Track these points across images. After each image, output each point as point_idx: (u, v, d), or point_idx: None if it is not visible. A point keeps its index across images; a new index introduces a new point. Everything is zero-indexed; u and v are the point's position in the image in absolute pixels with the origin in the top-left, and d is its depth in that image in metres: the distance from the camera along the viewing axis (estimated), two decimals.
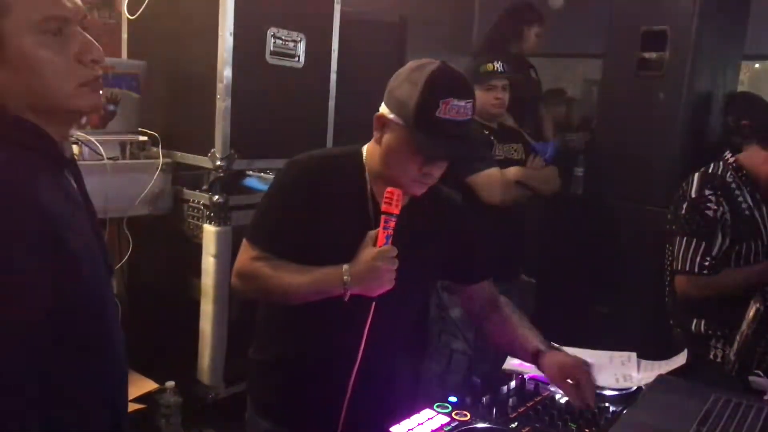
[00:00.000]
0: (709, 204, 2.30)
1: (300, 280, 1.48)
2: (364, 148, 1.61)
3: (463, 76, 1.53)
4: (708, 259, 2.28)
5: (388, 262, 1.41)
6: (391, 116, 1.48)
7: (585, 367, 1.53)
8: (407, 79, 1.47)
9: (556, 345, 1.65)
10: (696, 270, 2.29)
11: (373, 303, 1.45)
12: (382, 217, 1.43)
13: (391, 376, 1.70)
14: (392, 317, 1.53)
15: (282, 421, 1.66)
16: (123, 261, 2.57)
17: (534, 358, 1.62)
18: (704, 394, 1.50)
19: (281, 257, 1.53)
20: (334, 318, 1.52)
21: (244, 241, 1.58)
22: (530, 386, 1.68)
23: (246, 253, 1.57)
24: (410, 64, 1.51)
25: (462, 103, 1.46)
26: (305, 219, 1.52)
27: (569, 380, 1.53)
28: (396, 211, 1.43)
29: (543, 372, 1.60)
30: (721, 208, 2.30)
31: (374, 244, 1.42)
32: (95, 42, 1.04)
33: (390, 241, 1.42)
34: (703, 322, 2.36)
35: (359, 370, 1.48)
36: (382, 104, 1.52)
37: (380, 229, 1.43)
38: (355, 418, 1.52)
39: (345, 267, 1.42)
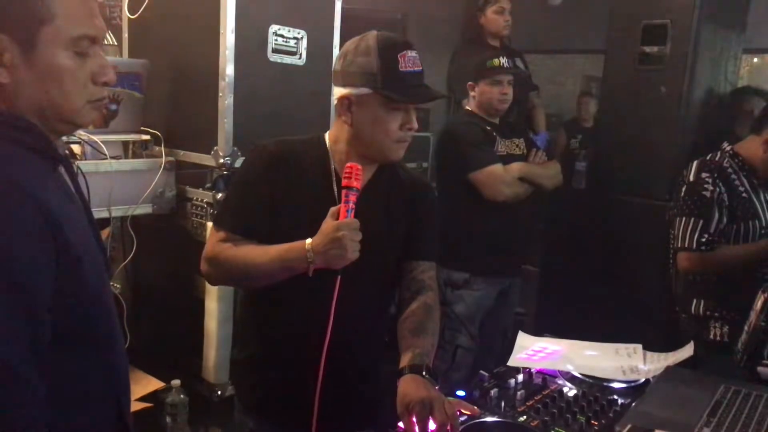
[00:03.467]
0: (706, 185, 2.40)
1: (263, 258, 1.50)
2: (326, 135, 1.67)
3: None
4: (706, 236, 2.36)
5: (351, 234, 1.42)
6: (356, 90, 1.54)
7: (424, 404, 1.35)
8: (356, 53, 1.54)
9: (425, 373, 1.45)
10: (694, 246, 2.38)
11: (338, 278, 1.44)
12: (343, 191, 1.45)
13: (363, 355, 1.69)
14: (359, 293, 1.53)
15: (263, 414, 1.69)
16: (127, 260, 2.57)
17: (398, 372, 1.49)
18: (713, 385, 1.51)
19: (248, 238, 1.56)
20: (301, 299, 1.55)
21: (211, 227, 1.63)
22: (538, 380, 1.68)
23: (213, 237, 1.60)
24: (349, 44, 1.59)
25: (414, 53, 1.56)
26: (269, 199, 1.55)
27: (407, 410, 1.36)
28: (356, 185, 1.45)
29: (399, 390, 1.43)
30: (717, 189, 2.39)
31: (336, 218, 1.44)
32: (110, 65, 1.09)
33: (352, 214, 1.44)
34: (702, 303, 2.44)
35: (330, 350, 1.44)
36: (337, 89, 1.58)
37: (342, 204, 1.45)
38: (329, 401, 1.49)
39: (308, 241, 1.44)
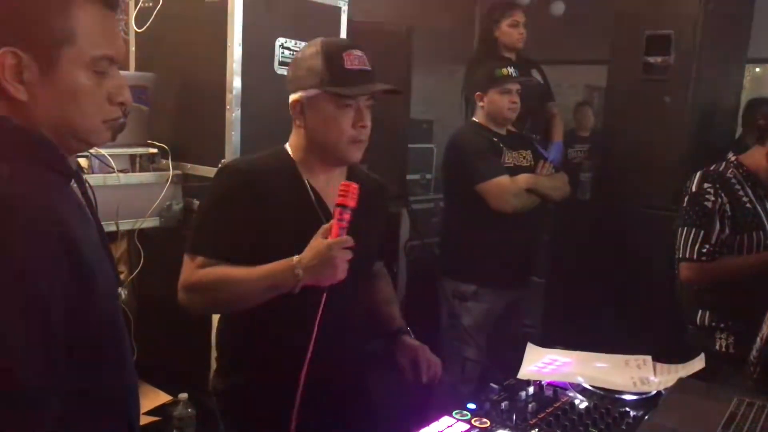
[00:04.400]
0: (707, 196, 2.40)
1: (250, 277, 1.48)
2: (287, 146, 1.68)
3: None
4: (707, 246, 2.36)
5: (343, 253, 1.42)
6: (305, 93, 1.57)
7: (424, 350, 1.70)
8: (303, 59, 1.59)
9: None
10: (695, 257, 2.37)
11: (324, 294, 1.44)
12: (337, 209, 1.45)
13: (347, 371, 1.70)
14: (343, 307, 1.53)
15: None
16: (134, 273, 2.57)
17: (392, 335, 1.75)
18: (727, 398, 1.49)
19: (228, 262, 1.53)
20: (284, 316, 1.53)
21: (185, 256, 1.58)
22: (549, 392, 1.67)
23: (189, 265, 1.57)
24: (298, 53, 1.64)
25: (359, 53, 1.58)
26: (246, 219, 1.54)
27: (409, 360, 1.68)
28: (352, 204, 1.45)
29: (396, 350, 1.73)
30: (719, 200, 2.38)
31: (326, 237, 1.43)
32: (127, 86, 1.10)
33: (344, 233, 1.44)
34: (707, 314, 2.43)
35: (315, 366, 1.43)
36: (290, 97, 1.60)
37: (335, 221, 1.44)
38: (310, 412, 1.47)
39: (295, 258, 1.43)
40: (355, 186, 1.46)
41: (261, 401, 1.64)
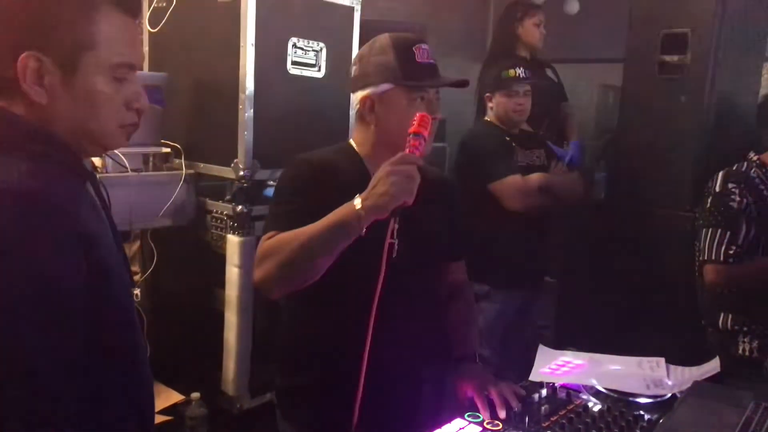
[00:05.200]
0: (732, 196, 2.36)
1: (318, 228, 1.42)
2: (351, 142, 1.68)
3: None
4: (733, 248, 2.31)
5: (405, 167, 1.33)
6: (377, 89, 1.56)
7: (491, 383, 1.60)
8: (372, 54, 1.59)
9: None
10: (722, 259, 2.32)
11: (381, 276, 1.35)
12: (409, 138, 1.39)
13: (408, 368, 1.69)
14: (405, 295, 1.53)
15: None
16: (148, 272, 2.58)
17: (457, 360, 1.70)
18: (743, 402, 1.48)
19: None
20: (342, 313, 1.53)
21: (261, 240, 1.56)
22: (562, 394, 1.66)
23: (260, 244, 1.55)
24: (362, 50, 1.63)
25: (427, 47, 1.59)
26: (316, 208, 1.50)
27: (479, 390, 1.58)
28: (425, 133, 1.39)
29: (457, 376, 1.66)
30: (745, 200, 2.34)
31: None
32: (143, 92, 1.12)
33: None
34: (730, 317, 2.39)
35: (374, 354, 1.39)
36: (357, 93, 1.60)
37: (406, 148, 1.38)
38: (369, 412, 1.45)
39: (357, 196, 1.38)
40: (428, 116, 1.42)
41: (322, 401, 1.64)
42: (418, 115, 1.42)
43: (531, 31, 3.53)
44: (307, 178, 1.58)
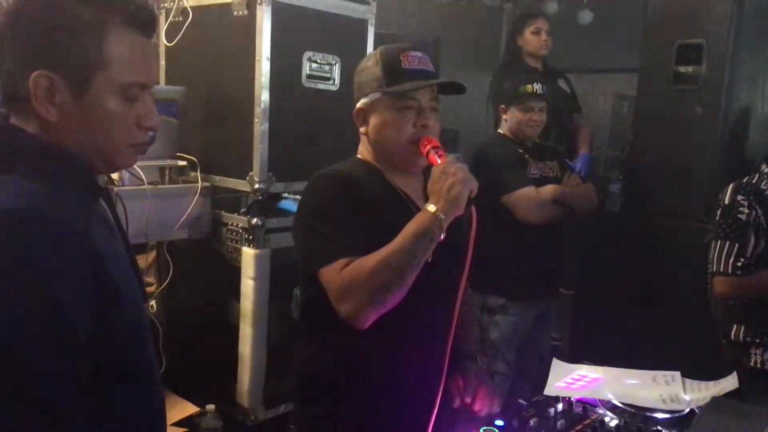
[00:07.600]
0: (741, 208, 2.36)
1: (396, 246, 1.40)
2: (359, 156, 1.68)
3: None
4: (741, 260, 2.32)
5: (456, 167, 1.43)
6: (367, 98, 1.58)
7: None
8: (365, 66, 1.60)
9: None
10: (730, 271, 2.33)
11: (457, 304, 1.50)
12: (430, 153, 1.50)
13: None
14: (431, 309, 1.55)
15: None
16: (163, 285, 2.59)
17: (459, 360, 1.70)
18: (762, 418, 1.46)
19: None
20: (368, 346, 1.49)
21: (321, 271, 1.47)
22: (578, 409, 1.65)
23: (332, 274, 1.44)
24: (360, 63, 1.64)
25: (419, 54, 1.57)
26: (357, 221, 1.49)
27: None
28: (438, 143, 1.52)
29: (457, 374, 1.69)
30: (754, 212, 2.34)
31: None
32: (156, 111, 1.11)
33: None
34: (742, 329, 2.38)
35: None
36: (356, 105, 1.62)
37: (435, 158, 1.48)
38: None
39: (426, 204, 1.43)
40: (425, 137, 1.52)
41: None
42: (423, 138, 1.51)
43: (530, 39, 3.55)
44: (345, 193, 1.53)
